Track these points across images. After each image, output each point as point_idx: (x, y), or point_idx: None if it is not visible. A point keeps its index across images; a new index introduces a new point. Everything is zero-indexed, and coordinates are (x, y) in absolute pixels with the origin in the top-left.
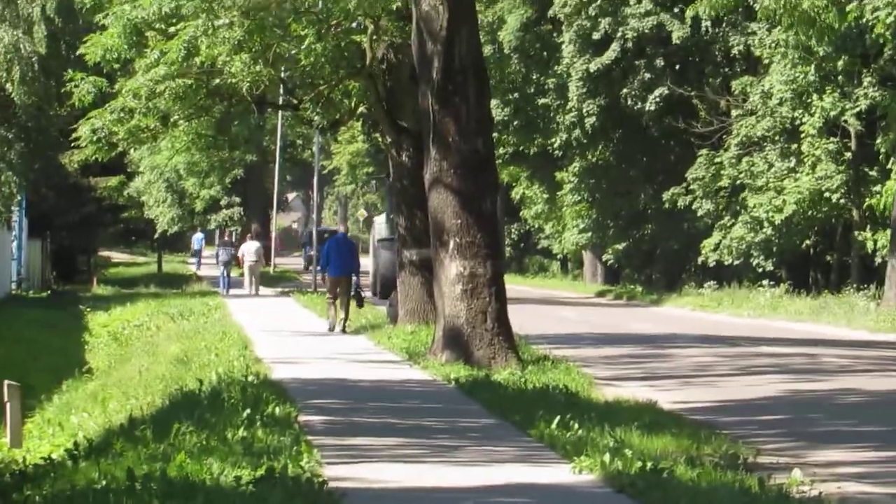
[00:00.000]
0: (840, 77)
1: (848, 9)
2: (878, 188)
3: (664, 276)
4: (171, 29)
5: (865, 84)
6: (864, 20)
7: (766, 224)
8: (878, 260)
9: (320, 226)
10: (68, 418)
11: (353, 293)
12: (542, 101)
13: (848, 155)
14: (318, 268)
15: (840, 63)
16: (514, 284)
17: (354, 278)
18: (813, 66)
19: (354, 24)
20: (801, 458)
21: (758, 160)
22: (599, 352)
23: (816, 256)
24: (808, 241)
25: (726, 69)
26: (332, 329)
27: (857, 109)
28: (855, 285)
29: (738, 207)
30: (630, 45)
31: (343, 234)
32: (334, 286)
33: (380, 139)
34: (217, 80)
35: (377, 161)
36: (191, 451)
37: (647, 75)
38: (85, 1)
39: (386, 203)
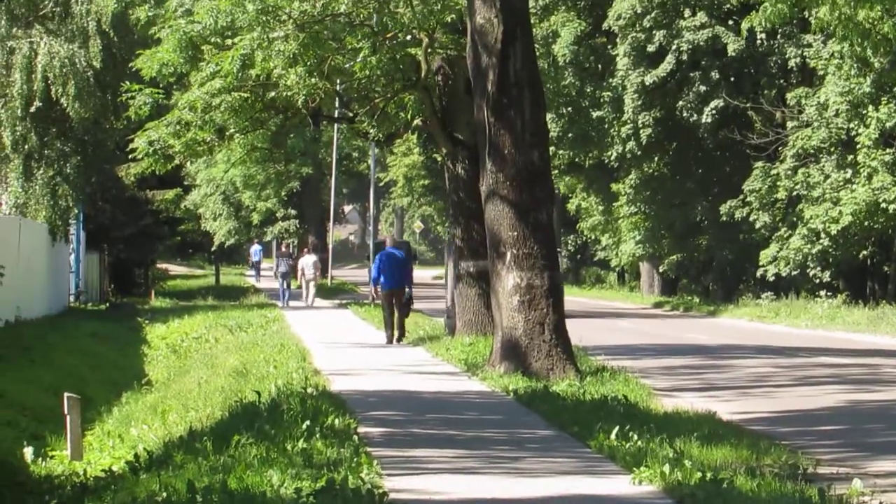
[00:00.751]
0: None
1: None
2: None
3: (721, 288)
4: (227, 42)
5: None
6: None
7: (822, 235)
8: None
9: (377, 238)
10: (128, 430)
11: (408, 303)
12: (597, 113)
13: None
14: (371, 281)
15: None
16: (572, 296)
17: (407, 289)
18: (869, 78)
19: (409, 37)
20: (861, 469)
21: (814, 171)
22: (657, 363)
23: (874, 267)
24: (865, 252)
25: (782, 81)
26: (389, 342)
27: None
28: None
29: (794, 219)
30: (685, 57)
31: (393, 247)
32: (388, 299)
33: (435, 152)
34: (272, 93)
35: (433, 173)
36: (251, 462)
37: (703, 87)
38: (140, 17)
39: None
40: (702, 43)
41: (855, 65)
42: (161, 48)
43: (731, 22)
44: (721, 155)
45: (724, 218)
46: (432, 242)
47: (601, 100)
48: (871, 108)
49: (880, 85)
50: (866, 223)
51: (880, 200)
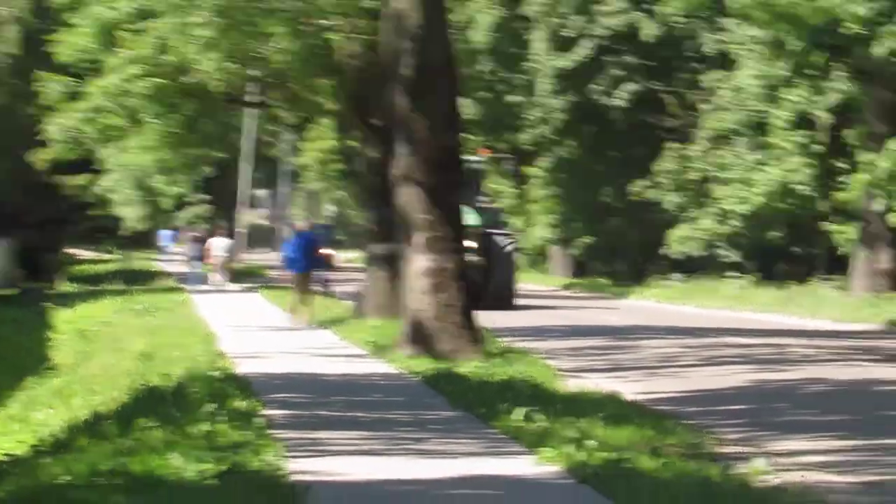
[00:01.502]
0: (810, 71)
1: (821, 2)
2: (846, 179)
3: (630, 269)
4: (143, 25)
5: (835, 77)
6: (836, 13)
7: (733, 216)
8: (845, 251)
9: (291, 223)
10: (32, 414)
11: (321, 285)
12: (511, 98)
13: (817, 147)
14: (283, 264)
15: (812, 58)
16: None
17: (322, 273)
18: (784, 61)
19: (325, 23)
20: (765, 448)
21: (727, 153)
22: (565, 344)
23: (783, 248)
24: (775, 233)
25: (697, 65)
26: (297, 324)
27: (827, 103)
28: (822, 276)
29: (705, 199)
30: (601, 42)
31: (307, 231)
32: (299, 282)
33: (349, 136)
34: (188, 79)
35: (346, 158)
36: (154, 446)
37: (617, 72)
38: (58, 0)
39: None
40: (618, 28)
41: (770, 48)
42: (76, 33)
43: (647, 7)
44: (634, 138)
45: (635, 198)
46: (345, 227)
47: (516, 85)
48: (785, 90)
49: (795, 68)
50: (777, 204)
51: (791, 182)
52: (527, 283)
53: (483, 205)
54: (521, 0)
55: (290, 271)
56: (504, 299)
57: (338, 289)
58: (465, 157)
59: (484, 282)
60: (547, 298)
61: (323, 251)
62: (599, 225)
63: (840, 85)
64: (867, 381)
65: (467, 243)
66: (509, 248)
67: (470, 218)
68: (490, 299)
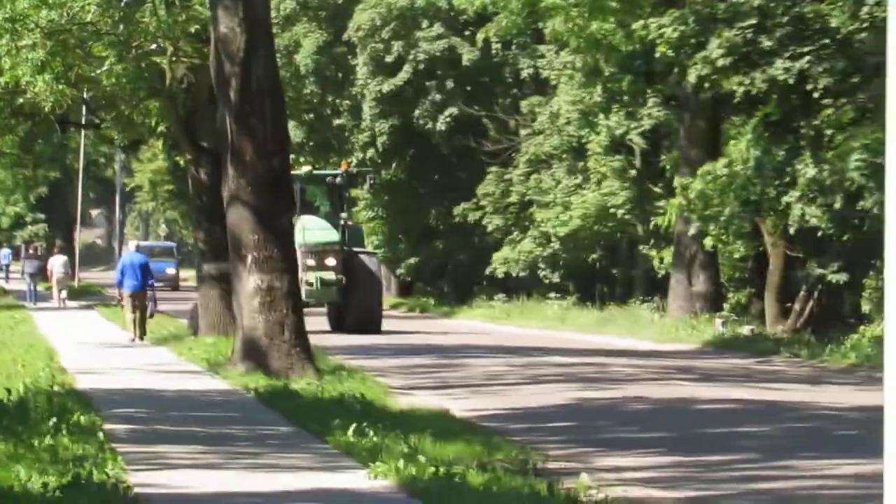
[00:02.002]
0: (626, 97)
1: (634, 26)
2: (662, 203)
3: (456, 290)
4: None
5: (650, 103)
6: (650, 38)
7: (553, 238)
8: (661, 273)
9: (123, 242)
10: None
11: (152, 304)
12: (337, 121)
13: (633, 172)
14: (115, 283)
15: (625, 83)
16: None
17: (150, 292)
18: (599, 87)
19: (154, 46)
20: (589, 464)
21: (545, 177)
22: (394, 362)
23: (603, 270)
24: (594, 256)
25: (516, 90)
26: (133, 341)
27: (642, 128)
28: (640, 298)
29: (526, 223)
30: (422, 66)
31: (136, 250)
32: (131, 301)
33: (180, 158)
34: (21, 100)
35: (178, 178)
36: None
37: (438, 96)
38: None
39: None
40: (438, 53)
41: (586, 74)
42: None
43: (467, 33)
44: (457, 161)
45: (458, 220)
46: (177, 246)
47: (341, 108)
48: (601, 116)
49: (611, 94)
50: (596, 227)
51: (609, 205)
52: None
53: (345, 222)
54: (344, 25)
55: (122, 290)
56: (370, 322)
57: (173, 307)
58: (329, 171)
59: (346, 302)
60: None
61: (169, 270)
62: (425, 246)
63: (654, 111)
64: (685, 399)
65: (327, 261)
66: (374, 267)
67: (331, 235)
68: (354, 323)
